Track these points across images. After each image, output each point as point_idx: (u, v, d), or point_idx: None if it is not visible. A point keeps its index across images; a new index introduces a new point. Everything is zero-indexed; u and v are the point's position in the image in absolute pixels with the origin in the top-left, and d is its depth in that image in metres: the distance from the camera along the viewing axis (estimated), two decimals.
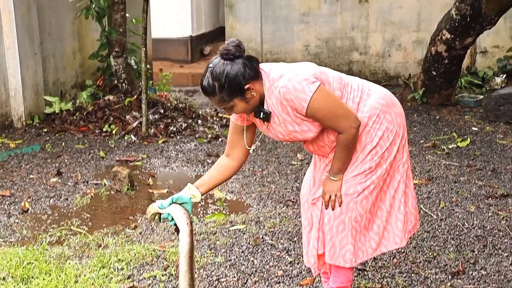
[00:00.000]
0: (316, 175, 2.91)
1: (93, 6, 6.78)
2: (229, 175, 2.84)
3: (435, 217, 4.34)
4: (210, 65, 2.55)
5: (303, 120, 2.61)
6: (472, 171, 5.31)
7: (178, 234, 2.57)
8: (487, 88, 8.47)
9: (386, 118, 2.71)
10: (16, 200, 4.82)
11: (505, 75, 8.52)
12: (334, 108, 2.58)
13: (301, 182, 5.06)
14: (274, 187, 5.07)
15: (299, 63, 2.73)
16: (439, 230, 4.12)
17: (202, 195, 2.74)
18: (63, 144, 6.32)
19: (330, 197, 2.73)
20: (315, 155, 2.89)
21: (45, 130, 6.73)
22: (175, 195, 2.67)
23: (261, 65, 2.64)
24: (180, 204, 2.64)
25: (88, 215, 4.55)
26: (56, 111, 6.95)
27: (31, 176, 5.37)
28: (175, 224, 2.60)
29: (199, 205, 4.73)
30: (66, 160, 5.82)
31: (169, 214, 2.61)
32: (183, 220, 2.57)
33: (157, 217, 2.68)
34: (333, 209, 2.73)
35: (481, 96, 7.86)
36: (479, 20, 6.62)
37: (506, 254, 3.75)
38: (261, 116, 2.64)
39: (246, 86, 2.53)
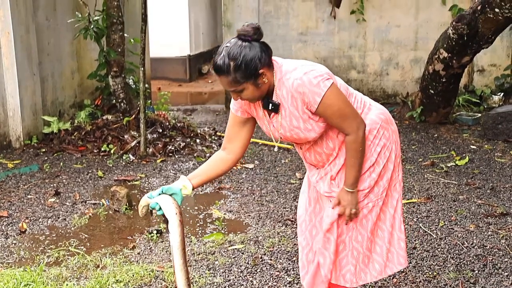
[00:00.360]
0: (311, 195, 2.89)
1: (92, 26, 6.81)
2: (224, 169, 2.76)
3: (434, 236, 4.32)
4: (227, 45, 2.48)
5: (309, 118, 2.58)
6: (471, 190, 5.30)
7: (167, 225, 2.49)
8: (485, 106, 8.49)
9: (384, 134, 2.71)
10: (14, 220, 4.79)
11: (502, 94, 8.54)
12: (344, 107, 2.56)
13: None
14: (272, 206, 5.05)
15: (311, 62, 2.69)
16: (439, 249, 4.10)
17: (194, 188, 2.65)
18: (61, 164, 6.31)
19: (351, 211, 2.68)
20: (309, 170, 2.87)
21: (43, 150, 6.72)
22: (165, 186, 2.61)
23: (273, 57, 2.61)
24: (170, 195, 2.57)
25: (86, 236, 4.52)
26: (55, 131, 6.95)
27: (29, 196, 5.36)
28: (163, 215, 2.51)
29: (197, 224, 4.71)
30: (64, 180, 5.81)
31: (157, 203, 2.53)
32: (172, 209, 2.47)
33: (149, 211, 2.61)
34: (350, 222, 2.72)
35: (479, 115, 7.87)
36: (476, 39, 6.64)
37: (506, 274, 3.72)
38: (270, 107, 2.60)
39: (261, 71, 2.49)
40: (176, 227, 2.44)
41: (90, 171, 6.08)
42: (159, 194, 2.56)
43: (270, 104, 2.59)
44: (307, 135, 2.63)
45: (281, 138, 2.72)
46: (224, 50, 2.47)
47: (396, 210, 2.78)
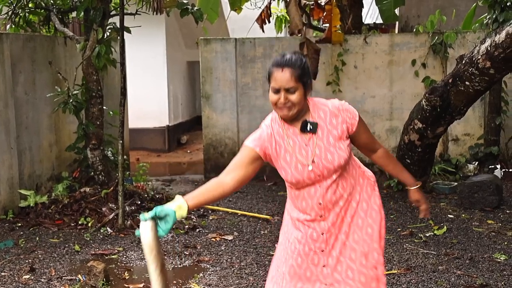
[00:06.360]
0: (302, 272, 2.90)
1: (71, 100, 6.86)
2: (222, 193, 2.76)
3: None
4: (286, 52, 2.85)
5: (343, 138, 2.84)
6: (450, 260, 5.31)
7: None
8: (461, 175, 8.61)
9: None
10: None
11: (477, 162, 8.69)
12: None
13: None
14: (252, 279, 5.00)
15: None
16: None
17: (190, 209, 2.62)
18: (37, 238, 6.20)
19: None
20: (308, 227, 2.90)
21: (19, 224, 6.62)
22: (159, 206, 2.56)
23: None
24: (163, 217, 2.53)
25: None
26: (31, 205, 6.87)
27: (2, 273, 5.23)
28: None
29: None
30: (40, 256, 5.70)
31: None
32: (147, 256, 2.54)
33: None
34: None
35: (455, 183, 7.97)
36: (449, 111, 6.79)
37: None
38: (308, 128, 2.81)
39: (311, 83, 2.83)
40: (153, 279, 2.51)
41: (66, 245, 5.98)
42: (152, 217, 2.53)
43: (309, 124, 2.80)
44: (340, 155, 2.80)
45: (310, 173, 2.80)
46: (289, 54, 2.81)
47: None
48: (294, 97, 2.74)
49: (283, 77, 2.73)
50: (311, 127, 2.80)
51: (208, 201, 2.75)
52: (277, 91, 2.77)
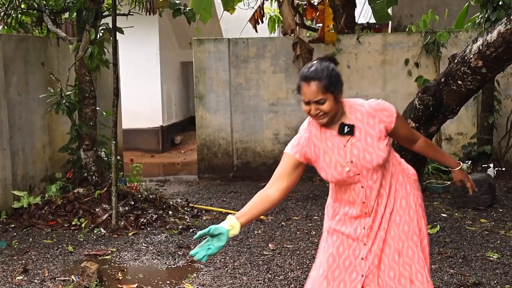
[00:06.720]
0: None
1: (64, 101, 6.85)
2: (269, 207, 2.85)
3: None
4: (315, 62, 2.80)
5: (382, 137, 2.85)
6: (443, 259, 5.33)
7: None
8: None
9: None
10: None
11: (470, 161, 8.72)
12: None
13: (273, 273, 5.04)
14: (246, 279, 5.00)
15: None
16: None
17: (242, 225, 2.72)
18: (30, 239, 6.19)
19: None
20: (350, 224, 2.95)
21: (13, 225, 6.60)
22: (214, 225, 2.66)
23: None
24: (216, 234, 2.63)
25: None
26: (25, 206, 6.85)
27: None
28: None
29: None
30: (33, 256, 5.69)
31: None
32: None
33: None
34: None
35: (449, 182, 7.98)
36: (442, 110, 6.80)
37: None
38: (345, 130, 2.83)
39: (341, 88, 2.79)
40: None
41: (60, 246, 5.97)
42: (206, 233, 2.63)
43: (346, 127, 2.82)
44: (378, 155, 2.82)
45: (349, 172, 2.84)
46: (316, 63, 2.79)
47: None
48: (324, 107, 2.76)
49: (310, 90, 2.74)
50: (348, 129, 2.83)
51: (257, 216, 2.84)
52: (307, 103, 2.79)
